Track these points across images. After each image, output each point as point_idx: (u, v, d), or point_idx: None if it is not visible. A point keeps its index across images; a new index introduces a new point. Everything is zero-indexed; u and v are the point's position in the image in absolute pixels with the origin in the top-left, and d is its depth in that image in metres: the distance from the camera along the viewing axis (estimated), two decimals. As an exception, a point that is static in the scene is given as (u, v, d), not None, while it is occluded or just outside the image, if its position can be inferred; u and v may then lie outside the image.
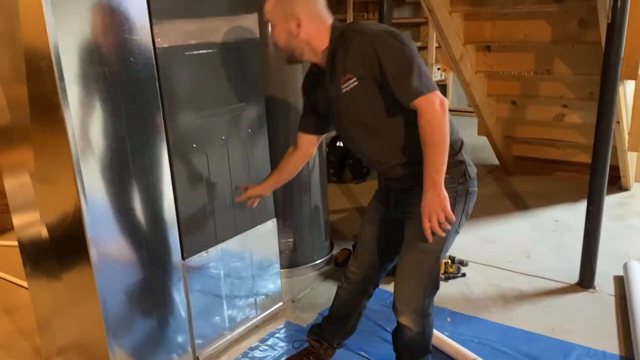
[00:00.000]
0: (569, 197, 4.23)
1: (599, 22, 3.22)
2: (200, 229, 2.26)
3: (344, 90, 1.71)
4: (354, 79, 1.67)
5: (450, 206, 1.62)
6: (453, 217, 1.63)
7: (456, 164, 1.77)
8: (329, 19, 1.76)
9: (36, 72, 1.70)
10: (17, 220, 2.13)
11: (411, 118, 1.66)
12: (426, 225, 1.63)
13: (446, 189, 1.62)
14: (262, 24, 2.38)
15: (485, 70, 4.22)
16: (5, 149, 2.02)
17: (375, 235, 2.02)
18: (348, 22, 2.67)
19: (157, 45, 1.93)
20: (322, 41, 1.74)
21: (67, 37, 1.66)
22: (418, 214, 1.65)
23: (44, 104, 1.74)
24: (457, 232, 1.85)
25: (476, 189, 1.86)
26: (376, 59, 1.61)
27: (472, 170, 1.84)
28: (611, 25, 2.50)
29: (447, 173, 1.64)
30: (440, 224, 1.62)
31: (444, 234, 1.65)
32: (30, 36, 1.69)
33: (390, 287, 2.09)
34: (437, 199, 1.60)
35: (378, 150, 1.81)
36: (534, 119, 4.45)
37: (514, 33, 3.80)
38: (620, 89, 3.35)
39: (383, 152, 1.80)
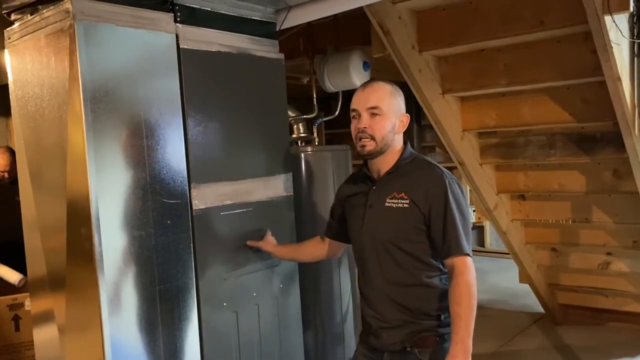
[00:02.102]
0: (627, 351, 3.91)
1: (633, 173, 3.21)
2: (227, 393, 2.16)
3: (387, 204, 1.73)
4: (408, 200, 1.71)
5: None
6: None
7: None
8: (401, 137, 1.84)
9: (76, 221, 1.79)
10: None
11: (429, 274, 1.72)
12: None
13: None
14: (297, 182, 2.47)
15: (521, 218, 4.19)
16: (38, 299, 2.06)
17: None
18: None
19: (193, 207, 2.01)
20: (396, 150, 1.80)
21: (107, 196, 1.77)
22: None
23: (81, 253, 1.79)
24: None
25: None
26: (443, 198, 1.67)
27: None
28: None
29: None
30: None
31: None
32: (74, 187, 1.79)
33: None
34: None
35: (385, 282, 1.77)
36: (577, 267, 4.29)
37: (548, 183, 3.81)
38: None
39: (390, 287, 1.76)
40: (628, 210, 3.66)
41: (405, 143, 1.82)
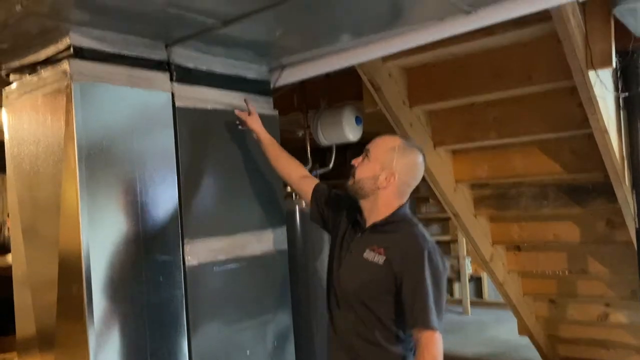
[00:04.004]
0: (630, 407, 3.80)
1: (626, 223, 3.22)
2: None
3: (364, 255, 1.73)
4: (384, 257, 1.69)
5: None
6: None
7: None
8: (404, 200, 1.82)
9: (67, 278, 1.77)
10: None
11: (387, 337, 1.69)
12: None
13: None
14: (292, 236, 2.46)
15: (518, 269, 4.16)
16: (27, 359, 2.01)
17: None
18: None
19: (186, 263, 2.00)
20: (387, 206, 1.78)
21: (99, 253, 1.76)
22: None
23: (71, 311, 1.77)
24: None
25: None
26: (420, 267, 1.64)
27: None
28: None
29: None
30: None
31: None
32: (66, 243, 1.78)
33: None
34: None
35: (346, 330, 1.77)
36: (576, 319, 4.23)
37: (542, 234, 3.81)
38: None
39: (350, 337, 1.75)
40: (624, 261, 3.64)
41: (403, 206, 1.80)
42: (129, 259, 1.83)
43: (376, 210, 1.78)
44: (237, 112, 2.20)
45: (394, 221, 1.77)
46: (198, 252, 2.04)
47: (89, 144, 1.77)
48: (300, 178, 2.11)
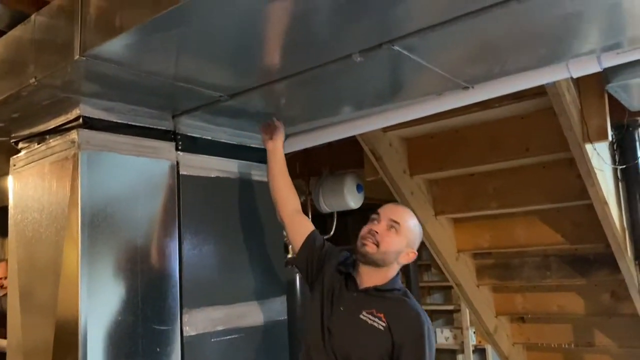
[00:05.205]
0: None
1: (631, 295, 3.17)
2: None
3: (362, 316, 1.70)
4: (385, 323, 1.68)
5: None
6: None
7: None
8: None
9: (63, 347, 1.74)
10: None
11: None
12: None
13: None
14: (292, 306, 2.43)
15: (523, 342, 4.06)
16: None
17: None
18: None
19: (184, 333, 1.96)
20: (391, 272, 1.80)
21: (97, 322, 1.74)
22: None
23: None
24: None
25: None
26: (421, 344, 1.66)
27: None
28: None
29: None
30: None
31: None
32: (64, 311, 1.77)
33: None
34: None
35: None
36: (585, 394, 4.08)
37: (547, 305, 3.75)
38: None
39: None
40: (631, 333, 3.56)
41: (398, 273, 1.83)
42: (126, 329, 1.80)
43: (377, 275, 1.79)
44: (264, 124, 2.16)
45: (392, 289, 1.79)
46: (197, 322, 2.01)
47: (92, 211, 1.78)
48: (295, 212, 2.06)
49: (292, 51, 1.63)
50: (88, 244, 1.76)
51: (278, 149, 2.12)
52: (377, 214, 1.83)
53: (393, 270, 1.81)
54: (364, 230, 1.81)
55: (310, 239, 1.98)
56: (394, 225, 1.79)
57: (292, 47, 1.60)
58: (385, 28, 1.50)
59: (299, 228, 2.02)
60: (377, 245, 1.76)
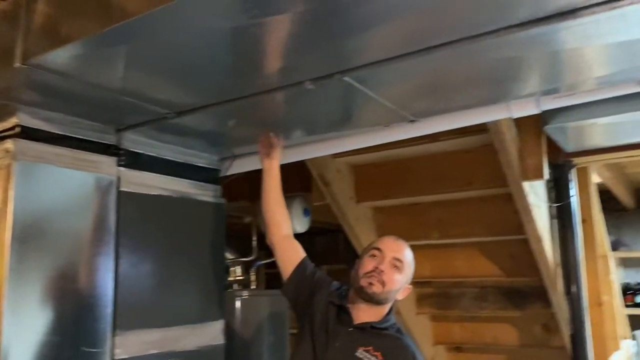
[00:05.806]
0: None
1: (561, 328, 3.29)
2: None
3: (357, 354, 1.68)
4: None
5: None
6: None
7: None
8: None
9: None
10: None
11: None
12: None
13: None
14: (230, 329, 2.38)
15: (459, 371, 4.12)
16: None
17: None
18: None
19: (115, 356, 1.88)
20: (387, 308, 1.80)
21: (20, 344, 1.65)
22: None
23: None
24: None
25: None
26: None
27: None
28: (574, 336, 2.56)
29: None
30: None
31: None
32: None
33: None
34: None
35: None
36: None
37: (483, 335, 3.83)
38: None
39: None
40: (561, 367, 3.69)
41: (391, 311, 1.83)
42: (52, 351, 1.71)
43: (373, 312, 1.78)
44: (263, 140, 2.08)
45: (387, 326, 1.78)
46: (129, 344, 1.93)
47: (24, 225, 1.70)
48: (286, 237, 2.01)
49: (244, 74, 1.62)
50: (16, 260, 1.67)
51: (274, 168, 2.05)
52: (379, 250, 1.79)
53: (388, 306, 1.82)
54: (368, 267, 1.76)
55: (301, 267, 1.94)
56: (397, 264, 1.77)
57: (244, 70, 1.60)
58: (338, 59, 1.52)
59: (290, 255, 1.97)
60: (384, 285, 1.75)
